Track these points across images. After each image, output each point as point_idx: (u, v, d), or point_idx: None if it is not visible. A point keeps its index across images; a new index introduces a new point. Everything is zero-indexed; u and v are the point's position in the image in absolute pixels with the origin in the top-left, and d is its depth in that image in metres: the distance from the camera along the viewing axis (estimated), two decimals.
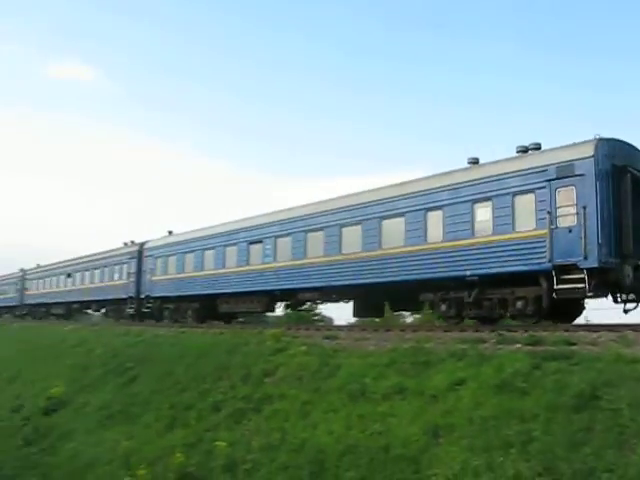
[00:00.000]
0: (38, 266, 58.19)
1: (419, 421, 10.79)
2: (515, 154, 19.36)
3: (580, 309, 18.58)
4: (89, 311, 47.11)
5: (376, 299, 22.73)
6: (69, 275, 48.34)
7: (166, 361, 20.24)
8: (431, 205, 20.21)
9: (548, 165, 17.38)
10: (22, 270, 60.79)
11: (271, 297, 27.28)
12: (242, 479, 12.00)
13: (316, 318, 28.86)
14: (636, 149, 18.09)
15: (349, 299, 24.45)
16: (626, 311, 17.15)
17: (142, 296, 36.52)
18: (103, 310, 44.42)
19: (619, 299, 17.19)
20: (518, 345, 13.33)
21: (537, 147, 18.91)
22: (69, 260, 50.11)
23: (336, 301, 25.19)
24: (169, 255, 34.55)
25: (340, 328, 21.12)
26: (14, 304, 60.89)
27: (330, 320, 33.03)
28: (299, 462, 11.39)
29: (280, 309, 28.79)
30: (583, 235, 16.12)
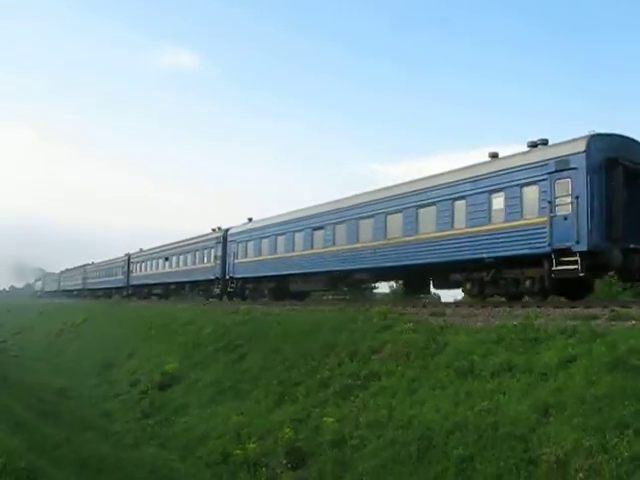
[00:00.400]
0: (141, 250, 62.84)
1: (528, 399, 10.48)
2: (526, 149, 21.16)
3: (588, 289, 20.51)
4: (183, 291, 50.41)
5: (417, 279, 25.85)
6: (166, 259, 52.81)
7: (274, 339, 20.55)
8: (457, 195, 22.42)
9: (549, 160, 19.29)
10: (127, 254, 65.46)
11: (332, 277, 29.72)
12: (350, 455, 12.04)
13: (422, 296, 28.85)
14: (635, 141, 19.79)
15: (396, 279, 27.82)
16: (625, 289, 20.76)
17: (227, 277, 39.92)
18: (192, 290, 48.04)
19: None
20: (633, 322, 12.75)
21: (544, 142, 20.64)
22: (166, 245, 54.46)
23: (386, 281, 28.48)
24: (248, 240, 38.00)
25: (447, 305, 20.88)
26: (121, 285, 66.07)
27: (436, 298, 32.98)
28: (406, 439, 11.31)
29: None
30: (576, 222, 18.06)
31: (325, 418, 13.44)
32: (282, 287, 34.30)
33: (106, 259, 75.93)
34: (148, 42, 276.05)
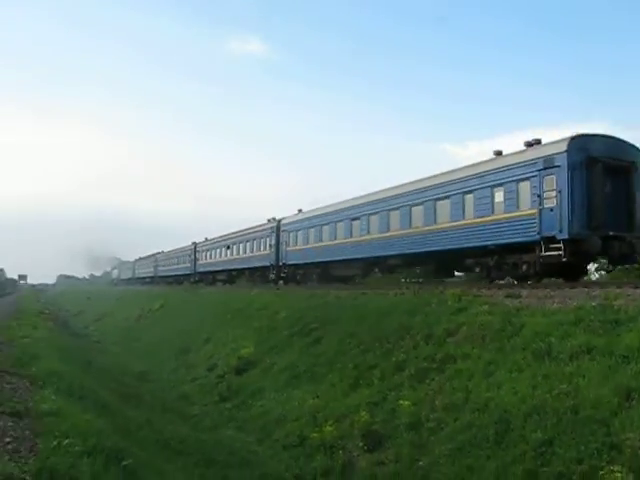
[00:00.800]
0: (206, 239, 66.27)
1: (609, 382, 10.19)
2: (523, 147, 23.80)
3: (581, 271, 23.32)
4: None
5: (440, 264, 28.35)
6: (228, 247, 57.02)
7: (349, 322, 20.61)
8: (466, 189, 25.32)
9: (538, 158, 21.92)
10: (194, 243, 69.49)
11: (367, 263, 32.96)
12: (426, 437, 12.01)
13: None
14: (618, 140, 22.18)
15: (423, 264, 29.66)
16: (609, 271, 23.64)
17: (280, 264, 43.88)
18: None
19: None
20: None
21: (538, 142, 23.07)
22: (228, 234, 58.63)
23: (415, 266, 30.35)
24: (298, 230, 41.90)
25: (523, 286, 20.51)
26: (189, 272, 69.60)
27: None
28: (484, 421, 11.21)
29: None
30: (559, 213, 20.67)
31: (401, 401, 13.42)
32: (326, 273, 37.78)
33: (174, 247, 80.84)
34: (216, 30, 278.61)
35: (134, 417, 14.46)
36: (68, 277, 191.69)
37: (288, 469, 13.42)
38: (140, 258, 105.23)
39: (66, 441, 6.78)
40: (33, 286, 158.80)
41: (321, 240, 37.60)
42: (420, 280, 28.98)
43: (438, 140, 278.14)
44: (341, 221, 35.46)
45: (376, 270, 32.84)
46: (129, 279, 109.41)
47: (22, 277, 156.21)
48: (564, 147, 20.95)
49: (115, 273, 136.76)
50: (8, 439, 6.85)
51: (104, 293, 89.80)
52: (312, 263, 39.01)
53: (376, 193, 32.80)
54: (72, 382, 12.21)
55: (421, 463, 11.37)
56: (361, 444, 12.99)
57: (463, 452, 10.81)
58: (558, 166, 20.96)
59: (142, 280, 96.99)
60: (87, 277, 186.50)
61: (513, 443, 10.22)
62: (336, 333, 20.29)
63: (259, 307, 30.40)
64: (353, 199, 35.25)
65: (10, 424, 7.55)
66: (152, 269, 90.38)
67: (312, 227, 39.35)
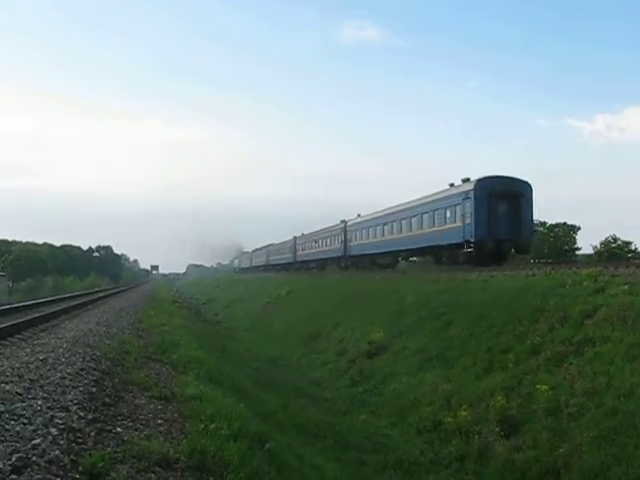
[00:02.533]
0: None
1: None
2: (459, 182, 35.96)
3: (504, 259, 33.46)
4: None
5: (425, 254, 43.11)
6: (315, 242, 68.30)
7: (479, 305, 20.24)
8: (423, 211, 39.61)
9: (462, 192, 33.94)
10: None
11: (394, 255, 46.18)
12: (566, 424, 11.62)
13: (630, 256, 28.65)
14: (510, 178, 33.72)
15: (419, 255, 45.23)
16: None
17: (347, 255, 57.72)
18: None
19: None
20: None
21: (468, 179, 34.76)
22: (315, 231, 70.03)
23: (414, 256, 46.94)
24: (355, 230, 55.70)
25: None
26: (291, 261, 74.05)
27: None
28: (629, 408, 10.71)
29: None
30: (472, 226, 32.17)
31: (538, 385, 13.05)
32: (374, 261, 50.65)
33: (281, 240, 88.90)
34: (330, 17, 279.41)
35: (269, 401, 14.90)
36: (197, 266, 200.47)
37: (423, 454, 13.40)
38: (256, 249, 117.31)
39: (212, 425, 7.05)
40: (164, 275, 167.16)
41: (369, 238, 51.38)
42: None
43: (561, 114, 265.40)
44: (378, 225, 49.25)
45: (400, 259, 47.32)
46: (248, 268, 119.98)
47: (154, 267, 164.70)
48: (472, 186, 33.32)
49: (236, 262, 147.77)
50: (159, 421, 7.22)
51: (231, 281, 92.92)
52: (365, 254, 52.54)
53: (393, 207, 46.43)
54: (210, 368, 12.70)
55: (561, 450, 11.01)
56: (497, 429, 12.76)
57: (608, 440, 10.37)
58: (470, 197, 33.00)
59: (257, 268, 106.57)
60: (215, 265, 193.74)
61: None
62: (466, 316, 19.99)
63: (386, 292, 30.43)
64: (382, 210, 49.17)
65: (159, 407, 7.94)
66: (264, 259, 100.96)
67: (363, 229, 53.18)
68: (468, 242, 32.42)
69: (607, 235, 46.48)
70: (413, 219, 41.17)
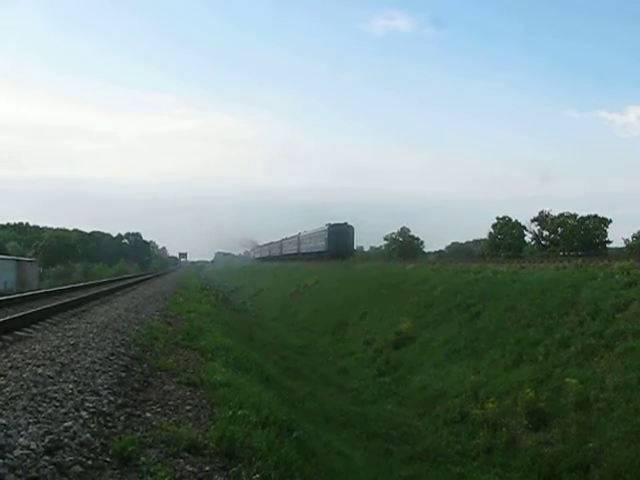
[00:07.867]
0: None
1: None
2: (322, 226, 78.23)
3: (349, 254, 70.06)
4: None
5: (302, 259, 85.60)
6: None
7: (508, 297, 20.05)
8: (300, 238, 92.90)
9: (324, 230, 75.12)
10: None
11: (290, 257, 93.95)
12: (596, 418, 11.48)
13: None
14: (343, 224, 74.12)
15: (308, 257, 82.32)
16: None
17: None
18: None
19: None
20: None
21: (328, 224, 76.28)
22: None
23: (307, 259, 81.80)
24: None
25: None
26: (295, 252, 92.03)
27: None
28: None
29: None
30: (326, 244, 73.89)
31: (568, 379, 12.90)
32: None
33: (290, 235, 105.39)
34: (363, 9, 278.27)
35: (297, 389, 14.94)
36: (225, 254, 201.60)
37: (450, 445, 13.37)
38: (265, 244, 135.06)
39: (240, 412, 7.05)
40: (193, 263, 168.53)
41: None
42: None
43: (593, 107, 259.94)
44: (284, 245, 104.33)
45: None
46: (263, 258, 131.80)
47: (182, 255, 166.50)
48: (326, 227, 73.52)
49: (252, 253, 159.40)
50: (188, 407, 7.25)
51: (258, 269, 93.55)
52: None
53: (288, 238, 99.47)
54: (238, 355, 12.74)
55: (591, 445, 10.91)
56: (525, 422, 12.69)
57: (639, 436, 10.22)
58: (326, 231, 73.20)
59: (270, 258, 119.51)
60: (242, 253, 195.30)
61: None
62: (495, 308, 19.84)
63: (415, 282, 30.30)
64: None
65: (188, 393, 7.98)
66: (278, 250, 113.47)
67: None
68: (326, 251, 70.98)
69: (639, 228, 46.00)
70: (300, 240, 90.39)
